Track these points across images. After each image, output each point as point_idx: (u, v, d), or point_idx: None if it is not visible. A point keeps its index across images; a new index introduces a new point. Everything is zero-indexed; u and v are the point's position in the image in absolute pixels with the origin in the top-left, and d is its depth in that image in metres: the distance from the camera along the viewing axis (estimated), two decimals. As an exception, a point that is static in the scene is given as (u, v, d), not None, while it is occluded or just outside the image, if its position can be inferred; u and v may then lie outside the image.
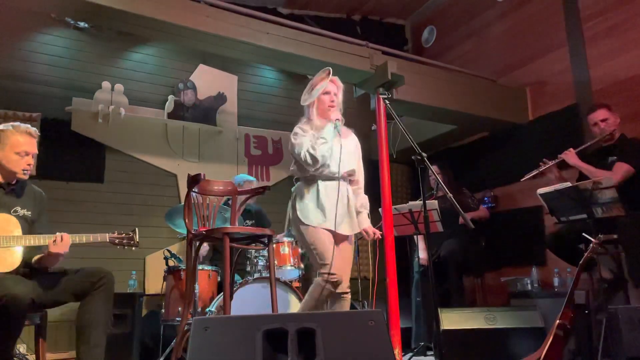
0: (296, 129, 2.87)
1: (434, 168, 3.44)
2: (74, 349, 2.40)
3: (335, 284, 2.69)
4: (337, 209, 2.74)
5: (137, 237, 2.61)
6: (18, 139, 2.47)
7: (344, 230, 2.81)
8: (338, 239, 2.80)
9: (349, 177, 2.89)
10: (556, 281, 4.13)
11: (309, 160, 2.73)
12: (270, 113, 5.61)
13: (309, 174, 2.80)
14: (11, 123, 2.54)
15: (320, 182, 2.79)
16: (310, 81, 2.93)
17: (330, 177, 2.80)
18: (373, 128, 4.13)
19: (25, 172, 2.50)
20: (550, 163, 3.57)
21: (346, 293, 2.80)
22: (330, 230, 2.75)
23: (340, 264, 2.75)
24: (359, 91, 4.37)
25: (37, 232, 2.47)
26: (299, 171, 2.89)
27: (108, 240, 2.53)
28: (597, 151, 3.58)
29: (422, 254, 4.33)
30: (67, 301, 2.47)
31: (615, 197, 2.90)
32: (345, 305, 2.82)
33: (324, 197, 2.77)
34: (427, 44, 6.20)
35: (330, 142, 2.75)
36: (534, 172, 3.64)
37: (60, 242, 2.36)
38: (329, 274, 2.67)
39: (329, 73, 2.88)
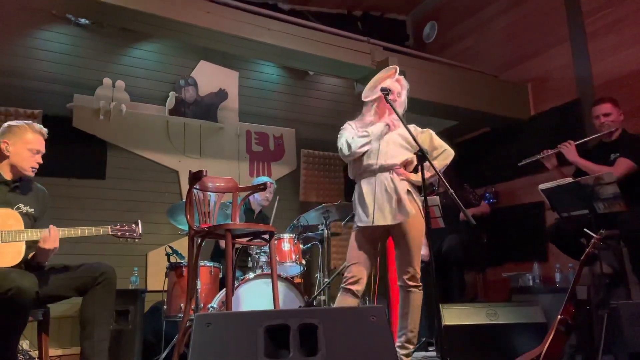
0: (345, 124, 2.85)
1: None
2: (77, 344, 2.41)
3: (348, 290, 2.70)
4: (369, 201, 2.68)
5: (140, 229, 2.59)
6: (32, 136, 2.51)
7: (386, 220, 2.67)
8: (382, 230, 2.74)
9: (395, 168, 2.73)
10: (558, 277, 4.13)
11: (344, 150, 2.73)
12: (271, 109, 5.61)
13: (358, 172, 2.77)
14: (24, 121, 2.58)
15: (362, 181, 2.74)
16: (375, 76, 2.85)
17: (370, 172, 2.71)
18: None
19: (34, 169, 2.53)
20: (549, 152, 3.57)
21: (416, 284, 2.71)
22: (377, 226, 2.68)
23: (407, 252, 2.73)
24: (360, 87, 4.36)
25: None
26: (350, 172, 2.86)
27: (110, 233, 2.52)
28: (599, 147, 3.57)
29: (424, 249, 4.32)
30: (70, 296, 2.48)
31: (617, 192, 2.89)
32: (415, 299, 2.70)
33: (365, 195, 2.71)
34: (429, 40, 6.18)
35: (373, 137, 2.68)
36: (532, 159, 3.65)
37: (49, 238, 2.35)
38: (345, 279, 2.70)
39: (396, 71, 2.80)
